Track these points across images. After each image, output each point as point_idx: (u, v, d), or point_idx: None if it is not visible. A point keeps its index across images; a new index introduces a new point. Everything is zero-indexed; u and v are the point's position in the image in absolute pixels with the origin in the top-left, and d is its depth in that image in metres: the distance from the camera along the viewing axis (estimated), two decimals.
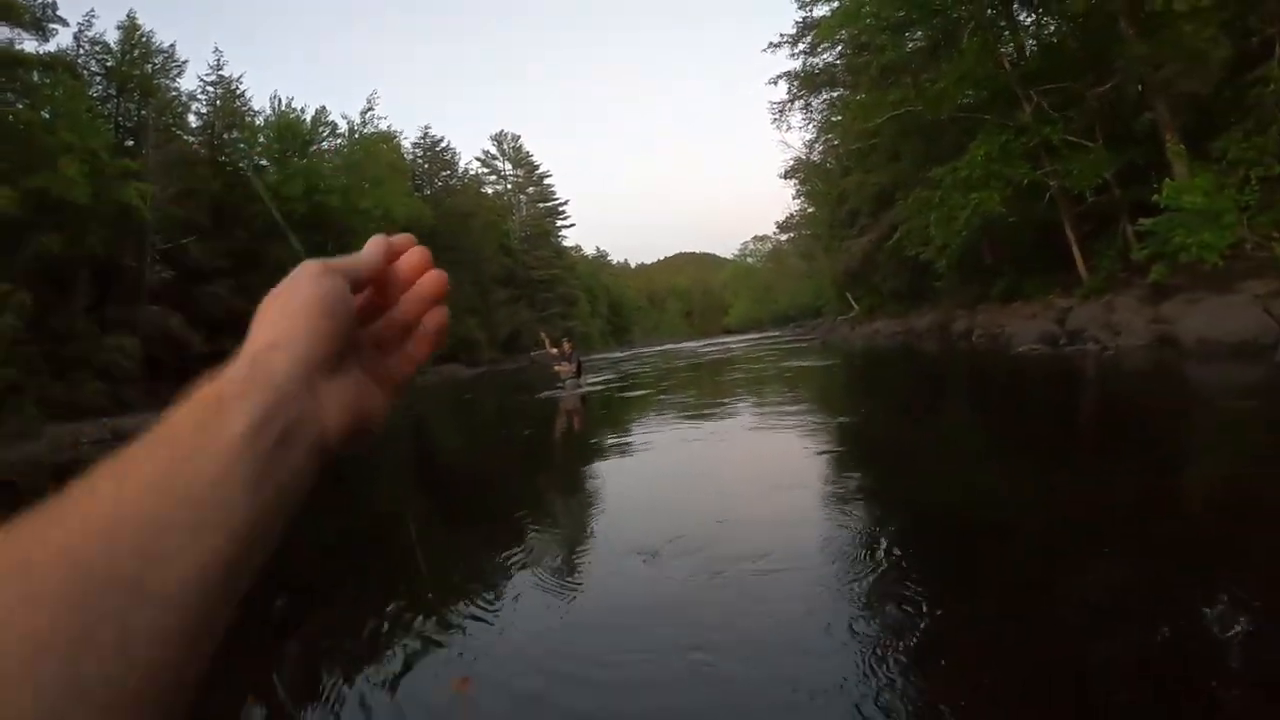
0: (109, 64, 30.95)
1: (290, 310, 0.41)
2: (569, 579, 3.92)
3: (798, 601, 3.20)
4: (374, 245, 0.49)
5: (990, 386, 11.60)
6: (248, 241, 32.96)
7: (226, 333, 31.29)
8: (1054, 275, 18.46)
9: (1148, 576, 3.15)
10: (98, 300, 24.63)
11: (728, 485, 5.88)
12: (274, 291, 0.42)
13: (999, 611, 3.00)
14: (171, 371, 27.44)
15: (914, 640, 2.75)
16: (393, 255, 0.50)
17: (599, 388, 18.53)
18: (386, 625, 3.50)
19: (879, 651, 2.66)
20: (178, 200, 28.32)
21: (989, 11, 18.41)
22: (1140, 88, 15.82)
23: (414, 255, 0.51)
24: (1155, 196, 12.92)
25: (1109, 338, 12.78)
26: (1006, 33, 18.91)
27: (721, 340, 59.05)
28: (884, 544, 3.88)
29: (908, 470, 5.90)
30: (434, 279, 0.51)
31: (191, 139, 34.54)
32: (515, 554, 4.41)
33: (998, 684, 2.45)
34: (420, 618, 3.54)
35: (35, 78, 24.33)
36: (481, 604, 3.65)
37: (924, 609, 3.01)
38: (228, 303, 31.22)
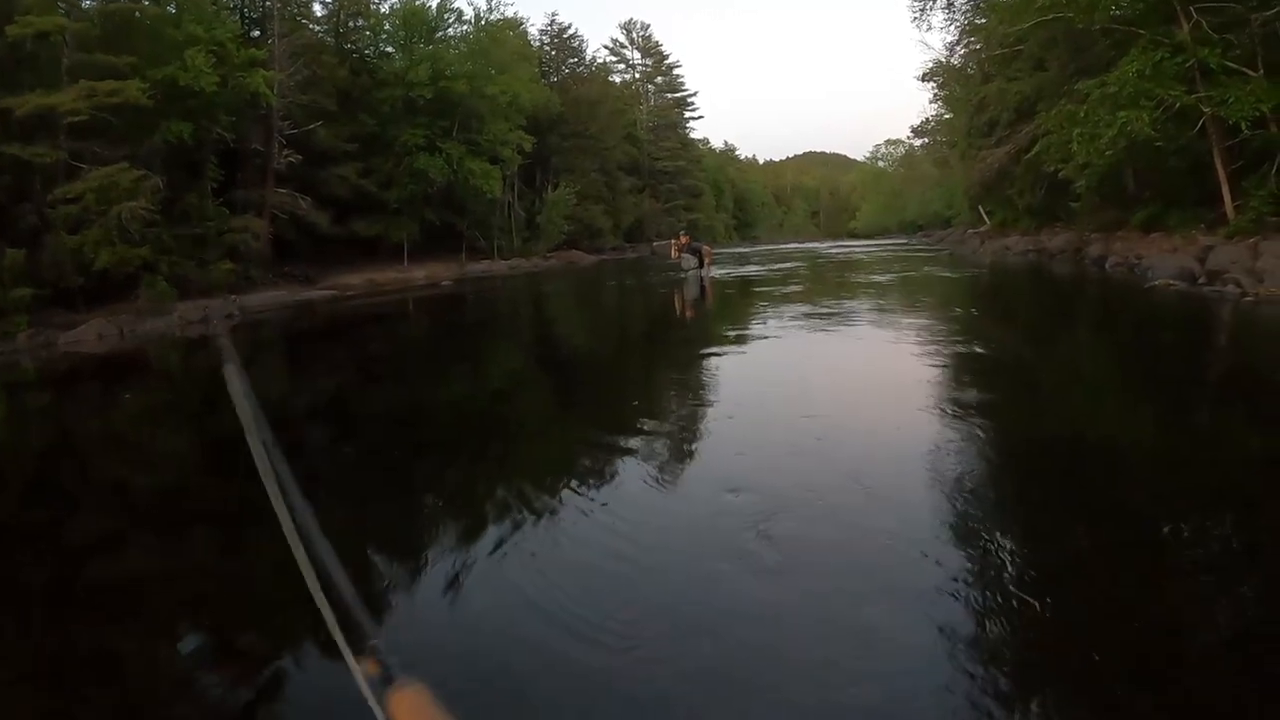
0: None
1: None
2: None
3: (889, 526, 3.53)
4: None
5: (1121, 319, 11.61)
6: (373, 126, 33.90)
7: (353, 214, 32.75)
8: (1199, 210, 17.06)
9: (1268, 546, 3.20)
10: (227, 183, 26.08)
11: (842, 392, 6.72)
12: None
13: (1103, 566, 3.11)
14: (299, 251, 29.15)
15: (1009, 581, 2.92)
16: None
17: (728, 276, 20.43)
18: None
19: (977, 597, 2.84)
20: (304, 87, 29.22)
21: None
22: None
23: None
24: None
25: (1251, 283, 11.67)
26: None
27: (847, 244, 57.01)
28: (993, 475, 4.22)
29: (1027, 397, 6.37)
30: None
31: (317, 28, 35.23)
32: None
33: (1082, 640, 2.55)
34: (518, 492, 4.41)
35: None
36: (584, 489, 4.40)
37: (1022, 547, 3.24)
38: (354, 185, 32.48)
